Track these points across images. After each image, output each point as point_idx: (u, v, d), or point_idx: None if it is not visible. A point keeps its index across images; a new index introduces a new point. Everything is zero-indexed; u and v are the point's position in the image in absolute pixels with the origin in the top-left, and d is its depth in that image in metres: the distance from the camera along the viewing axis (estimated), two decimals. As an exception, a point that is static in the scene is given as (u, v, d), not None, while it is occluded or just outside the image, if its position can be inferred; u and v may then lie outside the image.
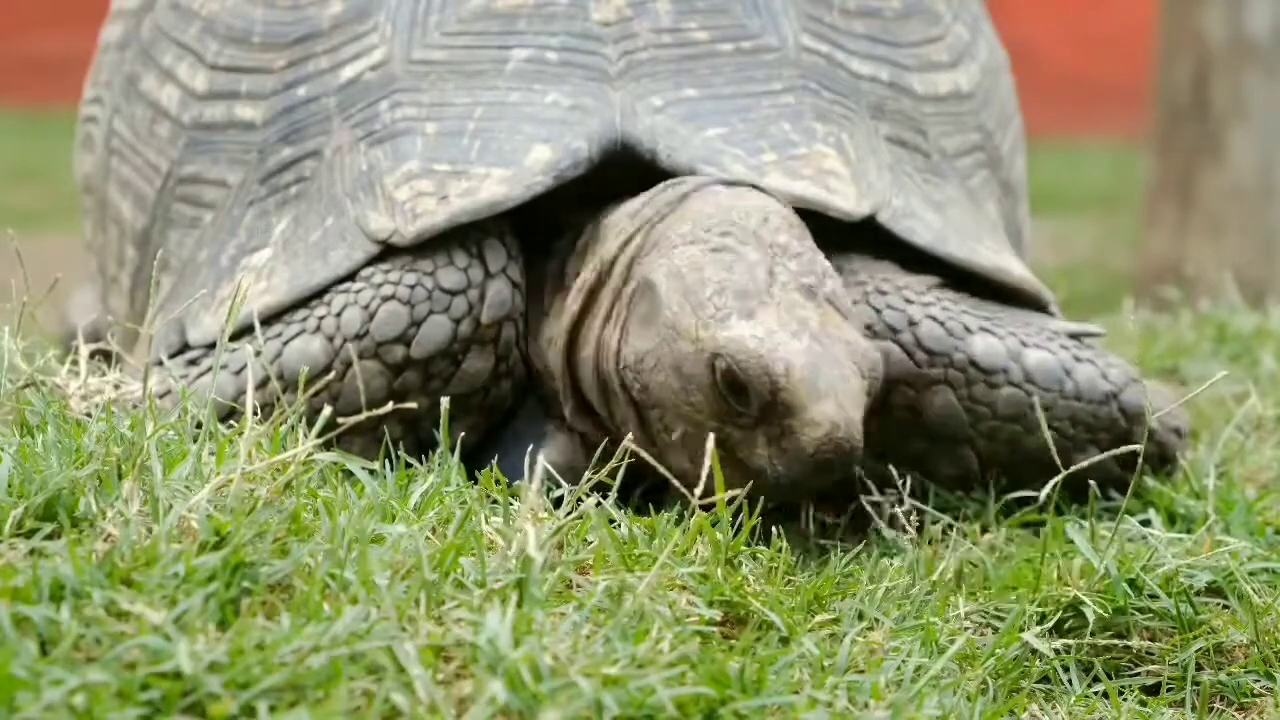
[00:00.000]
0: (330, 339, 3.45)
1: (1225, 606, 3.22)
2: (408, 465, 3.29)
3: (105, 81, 4.09)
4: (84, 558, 2.58)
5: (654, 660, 2.59)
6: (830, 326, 3.23)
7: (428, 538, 2.84)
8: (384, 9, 3.69)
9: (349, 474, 3.11)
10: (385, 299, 3.45)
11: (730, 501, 2.99)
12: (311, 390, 3.24)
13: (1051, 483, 3.14)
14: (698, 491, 3.04)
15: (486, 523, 2.92)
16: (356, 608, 2.55)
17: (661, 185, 3.49)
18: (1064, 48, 15.10)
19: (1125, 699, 3.01)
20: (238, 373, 3.46)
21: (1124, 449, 3.35)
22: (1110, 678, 3.04)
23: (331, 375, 3.39)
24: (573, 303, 3.46)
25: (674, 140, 3.57)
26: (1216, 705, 3.06)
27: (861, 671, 2.81)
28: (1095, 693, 3.01)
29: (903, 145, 3.78)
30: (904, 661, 2.83)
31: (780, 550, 3.08)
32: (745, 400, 3.18)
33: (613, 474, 3.03)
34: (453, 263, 3.47)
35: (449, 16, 3.67)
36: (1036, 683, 3.00)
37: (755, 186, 3.46)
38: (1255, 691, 3.08)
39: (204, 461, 2.95)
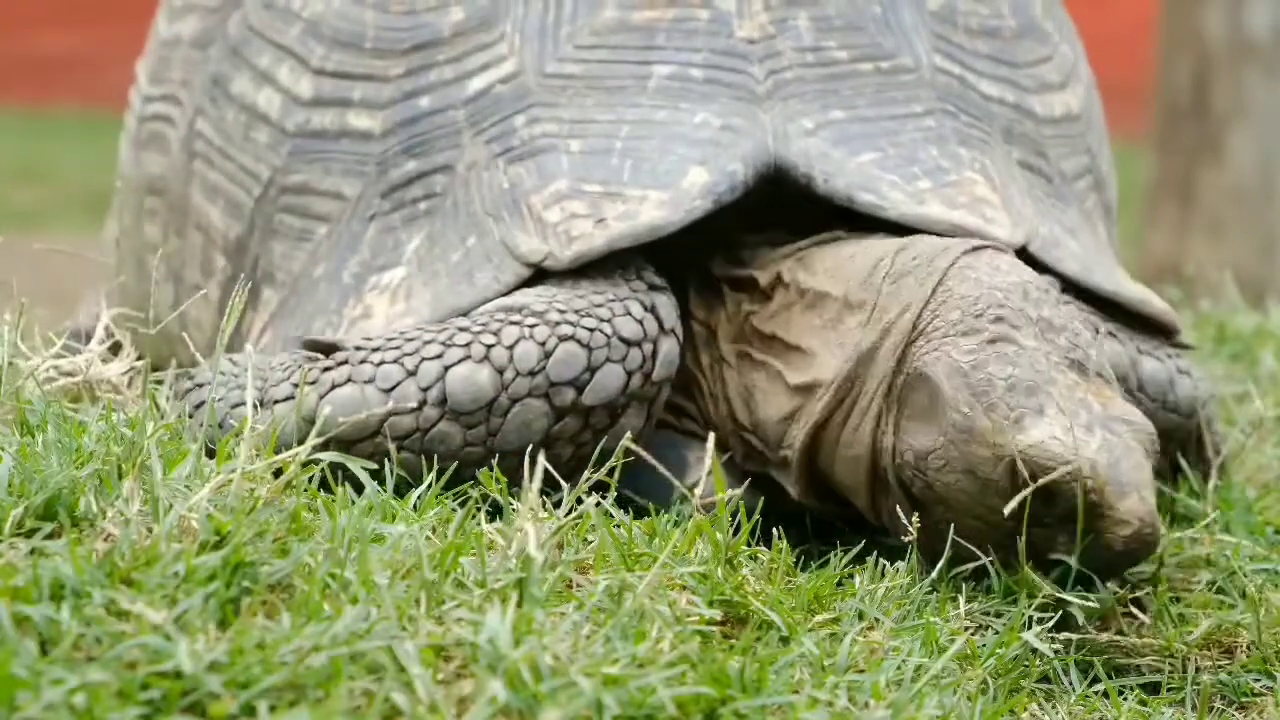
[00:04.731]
0: (500, 371, 3.29)
1: (1227, 605, 3.22)
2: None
3: (180, 80, 3.96)
4: (84, 557, 2.58)
5: (654, 660, 2.59)
6: (1111, 407, 3.13)
7: (428, 537, 2.84)
8: (510, 18, 3.58)
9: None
10: (563, 339, 3.30)
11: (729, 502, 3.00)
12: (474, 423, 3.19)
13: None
14: (698, 491, 3.04)
15: (486, 522, 2.92)
16: (356, 607, 2.55)
17: (896, 249, 3.36)
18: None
19: (1125, 699, 3.00)
20: (389, 390, 3.28)
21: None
22: (1110, 678, 3.04)
23: (493, 409, 3.27)
24: (821, 399, 3.34)
25: (829, 165, 3.48)
26: (1216, 705, 3.06)
27: (861, 671, 2.81)
28: (1095, 693, 3.01)
29: (1030, 169, 3.70)
30: (904, 661, 2.83)
31: (780, 550, 3.08)
32: (1051, 504, 3.08)
33: (611, 472, 3.03)
34: (629, 313, 3.34)
35: (581, 28, 3.57)
36: (1036, 683, 2.99)
37: (994, 247, 3.36)
38: (1255, 691, 3.08)
39: (204, 461, 2.95)
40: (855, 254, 3.43)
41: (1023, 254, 3.50)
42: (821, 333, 3.39)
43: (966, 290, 3.25)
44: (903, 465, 3.22)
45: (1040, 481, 3.04)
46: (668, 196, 3.43)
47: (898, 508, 3.21)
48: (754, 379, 3.46)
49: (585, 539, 2.96)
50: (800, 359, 3.40)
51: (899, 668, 2.81)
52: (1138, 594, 3.22)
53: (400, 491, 3.14)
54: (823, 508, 3.42)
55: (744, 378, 3.48)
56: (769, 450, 3.43)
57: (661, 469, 3.17)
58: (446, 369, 3.28)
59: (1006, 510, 3.05)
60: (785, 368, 3.42)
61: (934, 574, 3.10)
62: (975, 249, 3.32)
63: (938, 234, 3.45)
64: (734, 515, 3.01)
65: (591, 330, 3.31)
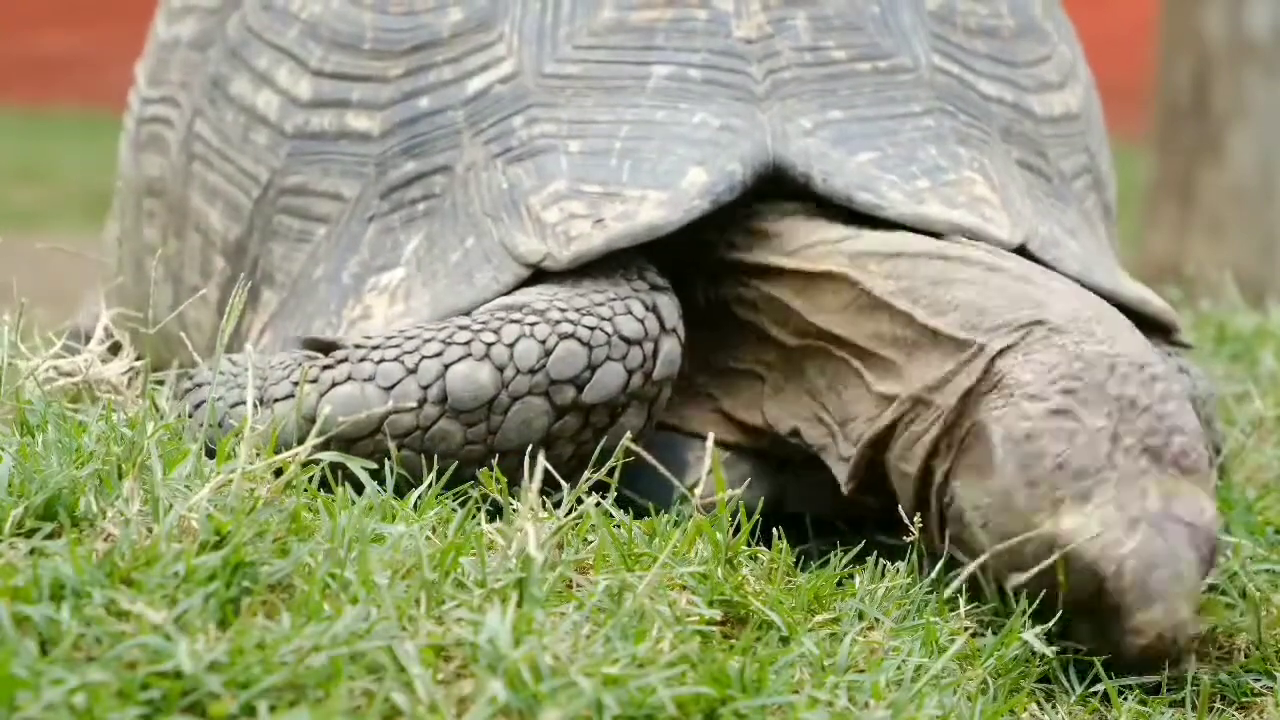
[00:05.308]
0: (500, 369, 3.27)
1: (1227, 605, 3.22)
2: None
3: (179, 82, 3.95)
4: (84, 557, 2.58)
5: (654, 660, 2.59)
6: (1173, 502, 3.04)
7: (428, 537, 2.84)
8: (508, 18, 3.57)
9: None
10: (564, 337, 3.28)
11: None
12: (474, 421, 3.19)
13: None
14: (698, 491, 3.04)
15: (486, 522, 2.92)
16: (356, 607, 2.55)
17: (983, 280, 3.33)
18: (1064, 48, 15.06)
19: (1125, 699, 3.00)
20: (389, 388, 3.26)
21: None
22: (1110, 678, 3.04)
23: (493, 407, 3.25)
24: (890, 409, 3.30)
25: (828, 164, 3.48)
26: (1217, 705, 3.06)
27: (861, 671, 2.81)
28: (1095, 693, 3.01)
29: (1029, 169, 3.69)
30: (904, 661, 2.83)
31: (780, 550, 3.09)
32: (1072, 595, 3.04)
33: (611, 472, 3.04)
34: (630, 312, 3.33)
35: (579, 29, 3.56)
36: (1036, 683, 2.99)
37: (1084, 284, 3.35)
38: (1256, 691, 3.08)
39: (204, 461, 2.95)
40: (937, 276, 3.34)
41: (1021, 253, 3.49)
42: (894, 346, 3.35)
43: (1048, 356, 3.16)
44: (949, 504, 3.19)
45: (1059, 573, 3.01)
46: (667, 197, 3.42)
47: (934, 525, 3.22)
48: (840, 374, 3.42)
49: (585, 539, 2.96)
50: (881, 366, 3.36)
51: (899, 668, 2.81)
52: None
53: (400, 491, 3.14)
54: (867, 502, 3.39)
55: (828, 372, 3.43)
56: (840, 441, 3.40)
57: (662, 469, 3.18)
58: (447, 367, 3.27)
59: (1019, 584, 3.04)
60: (868, 372, 3.38)
61: (931, 575, 3.10)
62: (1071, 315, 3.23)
63: (936, 234, 3.45)
64: (734, 515, 3.01)
65: (592, 328, 3.30)
